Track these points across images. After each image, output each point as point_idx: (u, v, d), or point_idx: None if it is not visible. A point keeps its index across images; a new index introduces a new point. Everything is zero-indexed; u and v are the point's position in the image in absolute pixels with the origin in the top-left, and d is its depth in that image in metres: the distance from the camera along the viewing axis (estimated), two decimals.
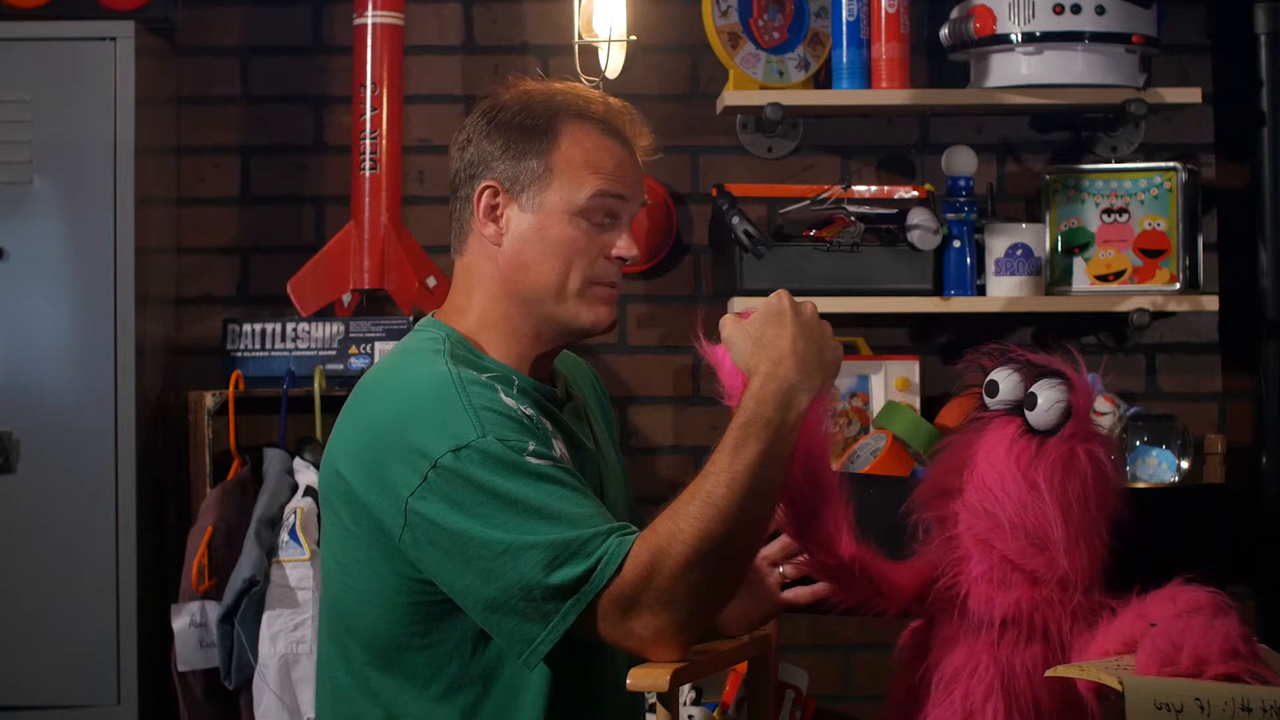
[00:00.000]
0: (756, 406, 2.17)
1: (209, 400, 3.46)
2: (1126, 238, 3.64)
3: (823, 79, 3.70)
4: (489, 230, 2.31)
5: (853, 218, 3.60)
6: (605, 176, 2.29)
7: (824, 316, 2.28)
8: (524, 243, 2.30)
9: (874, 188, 3.68)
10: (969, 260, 3.59)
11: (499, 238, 2.31)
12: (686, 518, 2.11)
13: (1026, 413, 2.28)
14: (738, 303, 3.54)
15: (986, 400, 2.33)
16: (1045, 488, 2.25)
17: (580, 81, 3.54)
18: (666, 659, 2.15)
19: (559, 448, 2.23)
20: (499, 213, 2.31)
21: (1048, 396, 2.27)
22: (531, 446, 2.15)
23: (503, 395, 2.21)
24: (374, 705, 2.26)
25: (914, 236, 3.56)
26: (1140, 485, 3.47)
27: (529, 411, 2.22)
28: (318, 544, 3.29)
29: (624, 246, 2.31)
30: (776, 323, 2.22)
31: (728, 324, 2.27)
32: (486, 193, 2.31)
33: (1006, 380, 2.32)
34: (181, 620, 3.32)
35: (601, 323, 2.32)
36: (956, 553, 2.31)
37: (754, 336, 2.23)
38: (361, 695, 2.27)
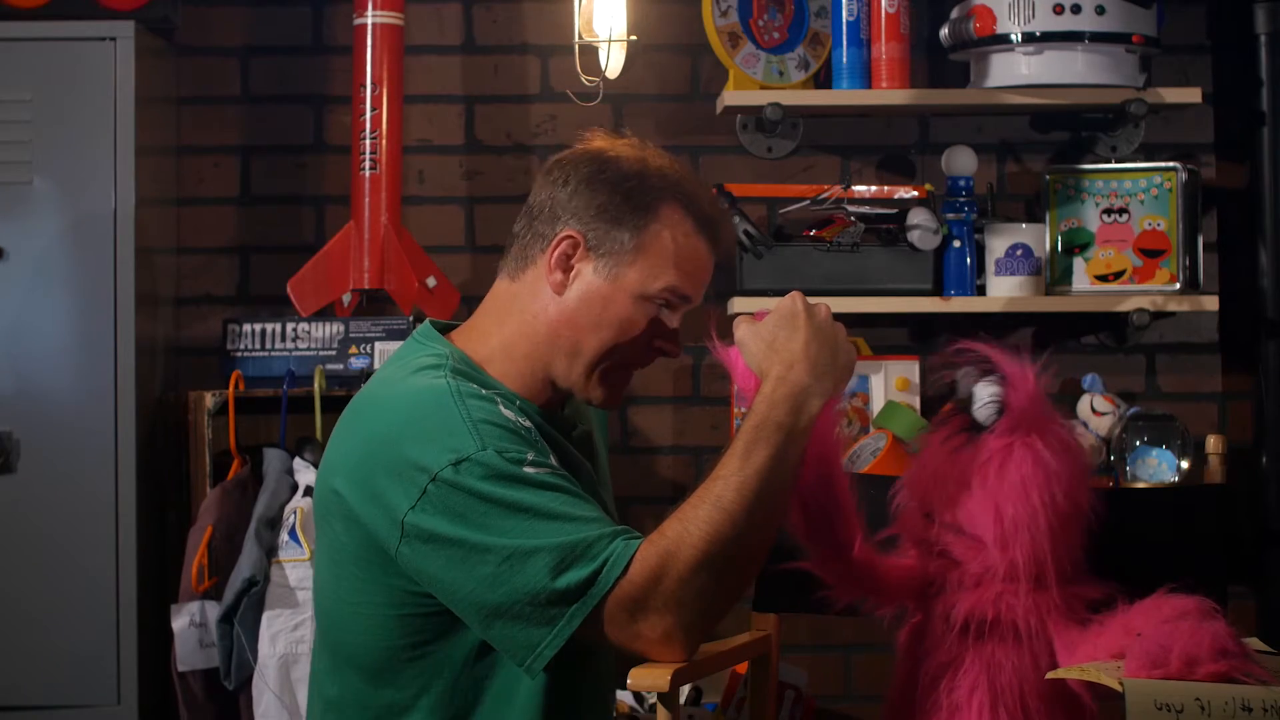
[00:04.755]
0: (768, 410, 2.17)
1: (209, 400, 3.46)
2: (1126, 238, 3.64)
3: (823, 79, 3.70)
4: (556, 277, 2.27)
5: (853, 218, 3.60)
6: (683, 274, 2.27)
7: None
8: (584, 304, 2.26)
9: (874, 188, 3.68)
10: (969, 260, 3.59)
11: (562, 288, 2.27)
12: (695, 521, 2.11)
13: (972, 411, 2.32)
14: (738, 303, 3.54)
15: (954, 401, 2.37)
16: (978, 484, 2.27)
17: (581, 81, 3.56)
18: (672, 660, 2.15)
19: (556, 461, 2.22)
20: (572, 264, 2.27)
21: (983, 394, 2.30)
22: (530, 456, 2.14)
23: (502, 408, 2.19)
24: (363, 717, 2.25)
25: (914, 236, 3.56)
26: (1140, 485, 3.47)
27: (527, 424, 2.21)
28: None
29: (671, 345, 2.31)
30: (790, 325, 2.22)
31: (741, 325, 2.27)
32: (566, 242, 2.27)
33: (963, 379, 2.34)
34: (181, 620, 3.32)
35: (609, 404, 2.32)
36: (916, 556, 2.34)
37: (767, 339, 2.23)
38: (350, 707, 2.26)
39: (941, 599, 2.31)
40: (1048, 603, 2.27)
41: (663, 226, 2.26)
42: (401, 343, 3.46)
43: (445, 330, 2.36)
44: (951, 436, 2.33)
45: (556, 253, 2.27)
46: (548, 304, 2.28)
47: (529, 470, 2.12)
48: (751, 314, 2.29)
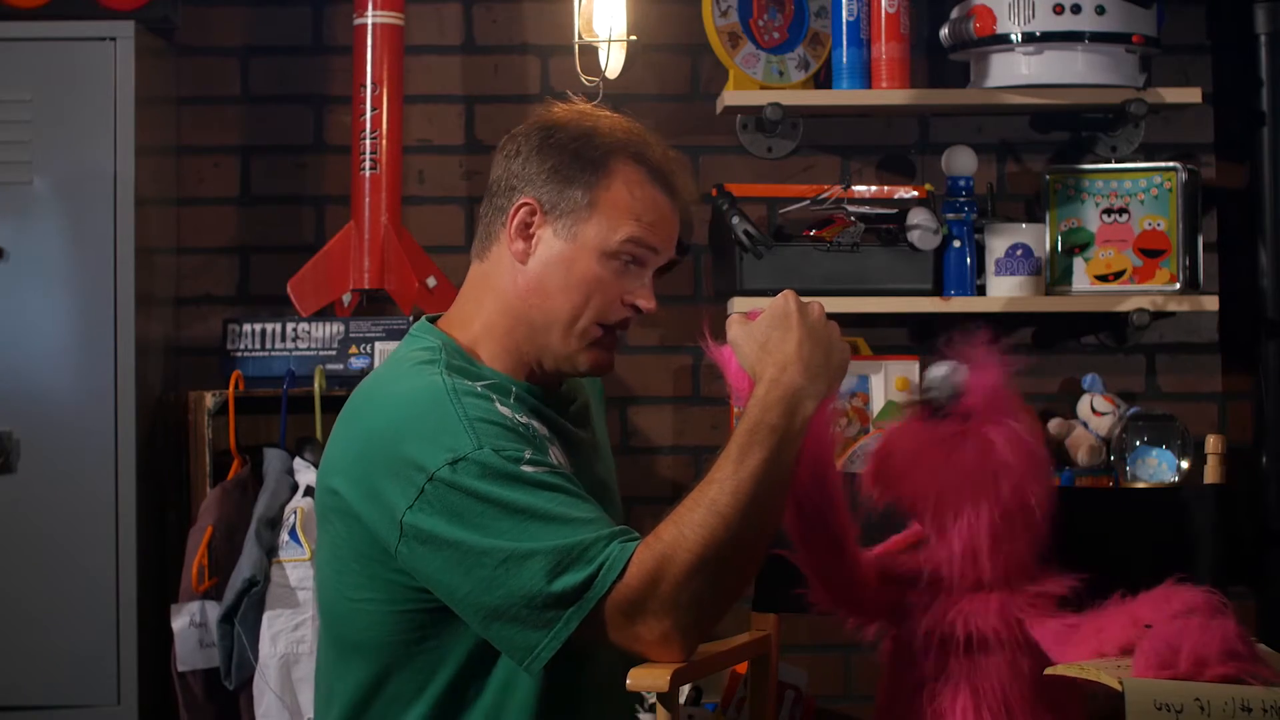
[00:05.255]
0: (761, 413, 2.17)
1: (209, 400, 3.46)
2: (1126, 238, 3.64)
3: (823, 79, 3.70)
4: (517, 246, 2.28)
5: (853, 218, 3.60)
6: (644, 225, 2.27)
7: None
8: (549, 268, 2.27)
9: (874, 188, 3.68)
10: (969, 260, 3.59)
11: (525, 256, 2.28)
12: (691, 525, 2.11)
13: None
14: (738, 303, 3.54)
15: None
16: (925, 464, 2.25)
17: (581, 82, 3.56)
18: (672, 661, 2.15)
19: (555, 455, 2.22)
20: (531, 232, 2.28)
21: (938, 375, 2.29)
22: (528, 454, 2.14)
23: (498, 405, 2.19)
24: (367, 712, 2.25)
25: (914, 236, 3.56)
26: (1140, 485, 3.47)
27: (524, 419, 2.21)
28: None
29: (644, 299, 2.29)
30: (782, 326, 2.22)
31: (734, 325, 2.27)
32: (523, 210, 2.28)
33: (931, 368, 2.35)
34: (181, 620, 3.32)
35: (597, 368, 2.31)
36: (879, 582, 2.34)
37: (760, 340, 2.22)
38: (354, 701, 2.26)
39: (909, 620, 2.30)
40: (1014, 610, 2.26)
41: (615, 180, 2.27)
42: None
43: (437, 321, 2.37)
44: (909, 420, 2.32)
45: (515, 221, 2.28)
46: (515, 275, 2.29)
47: (526, 469, 2.13)
48: (744, 313, 2.29)
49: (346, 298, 3.62)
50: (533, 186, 2.28)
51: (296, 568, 3.28)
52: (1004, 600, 2.25)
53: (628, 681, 2.15)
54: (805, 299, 2.25)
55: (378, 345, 3.53)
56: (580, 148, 2.28)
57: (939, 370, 2.31)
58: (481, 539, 2.10)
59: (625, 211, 2.26)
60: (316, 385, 3.47)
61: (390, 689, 2.23)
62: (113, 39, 3.38)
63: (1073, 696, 2.24)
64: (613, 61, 3.59)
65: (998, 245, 3.61)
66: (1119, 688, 2.03)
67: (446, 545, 2.11)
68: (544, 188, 2.28)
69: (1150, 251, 3.63)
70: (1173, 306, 3.62)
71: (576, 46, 3.59)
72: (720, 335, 2.31)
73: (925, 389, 2.31)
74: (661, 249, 2.30)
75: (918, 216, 3.57)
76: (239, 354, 3.56)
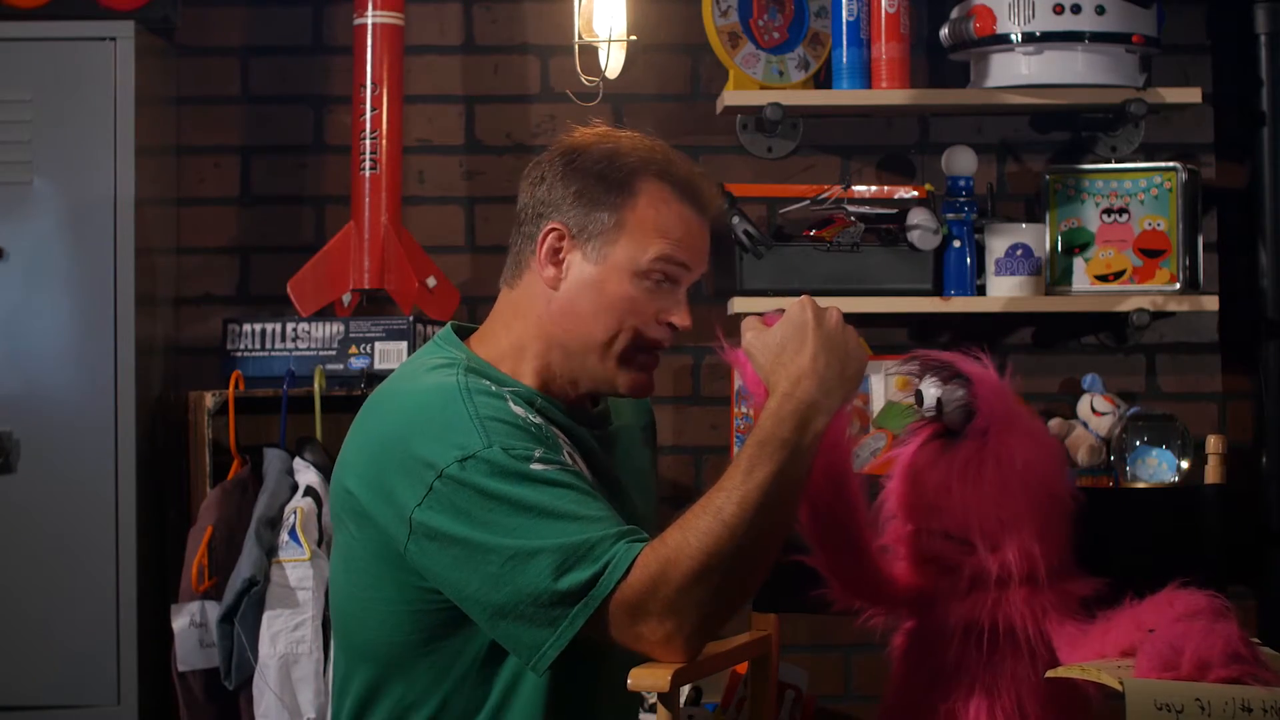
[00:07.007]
0: (773, 426, 2.15)
1: (209, 400, 3.46)
2: (1126, 238, 3.64)
3: (823, 79, 3.70)
4: (548, 272, 2.28)
5: (853, 218, 3.60)
6: (673, 242, 2.26)
7: None
8: (581, 292, 2.26)
9: (874, 188, 3.68)
10: (969, 260, 3.59)
11: (556, 282, 2.28)
12: (695, 532, 2.11)
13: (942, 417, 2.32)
14: (738, 302, 3.54)
15: (919, 410, 2.35)
16: (959, 489, 2.26)
17: (581, 81, 3.56)
18: (676, 662, 2.15)
19: (570, 457, 2.22)
20: (561, 257, 2.28)
21: (949, 398, 2.30)
22: (538, 453, 2.14)
23: (511, 404, 2.19)
24: (376, 712, 2.26)
25: (914, 236, 3.56)
26: (1140, 485, 3.47)
27: (537, 420, 2.21)
28: (318, 544, 3.29)
29: (679, 316, 2.28)
30: (797, 337, 2.20)
31: (748, 331, 2.25)
32: (552, 235, 2.28)
33: (927, 388, 2.34)
34: (181, 620, 3.32)
35: (637, 390, 2.29)
36: (908, 566, 2.33)
37: (774, 350, 2.20)
38: (367, 703, 2.27)
39: (936, 607, 2.31)
40: (1042, 602, 2.27)
41: (641, 199, 2.26)
42: (402, 343, 3.51)
43: (465, 335, 2.36)
44: (925, 445, 2.33)
45: (545, 248, 2.28)
46: (549, 302, 2.28)
47: (536, 467, 2.13)
48: (760, 314, 2.27)
49: (346, 298, 3.62)
50: (560, 212, 2.28)
51: (296, 568, 3.28)
52: (1031, 592, 2.26)
53: (628, 682, 2.15)
54: (823, 304, 2.23)
55: (378, 345, 3.53)
56: (604, 169, 2.27)
57: (953, 393, 2.31)
58: (489, 536, 2.11)
59: (653, 230, 2.25)
60: (316, 385, 3.47)
61: (398, 690, 2.24)
62: (113, 39, 3.38)
63: (1084, 705, 2.24)
64: (613, 61, 3.58)
65: (998, 245, 3.61)
66: (1119, 688, 2.03)
67: (454, 543, 2.12)
68: (571, 212, 2.27)
69: (1150, 251, 3.63)
70: (1173, 306, 3.62)
71: (576, 46, 3.59)
72: (732, 336, 2.30)
73: (936, 414, 2.31)
74: (693, 264, 2.28)
75: (918, 216, 3.57)
76: (239, 354, 3.56)
